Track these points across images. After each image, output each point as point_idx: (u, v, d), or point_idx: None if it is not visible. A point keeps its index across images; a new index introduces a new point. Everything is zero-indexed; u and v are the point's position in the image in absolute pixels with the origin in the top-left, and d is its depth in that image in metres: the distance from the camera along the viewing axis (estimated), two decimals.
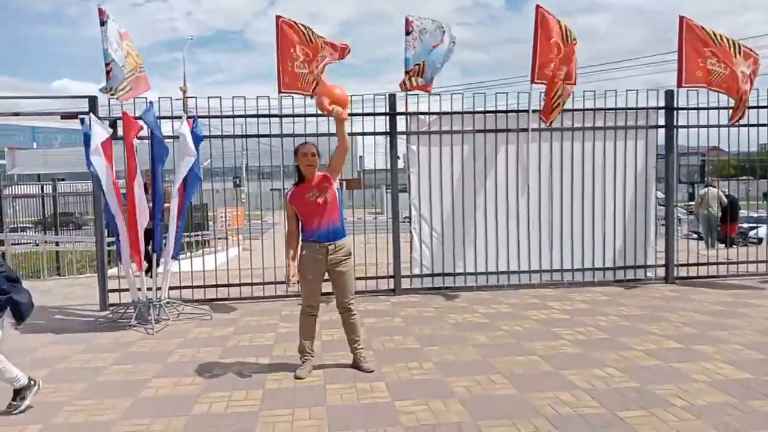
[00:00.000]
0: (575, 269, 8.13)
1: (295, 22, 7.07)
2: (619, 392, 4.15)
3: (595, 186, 8.09)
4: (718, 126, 8.29)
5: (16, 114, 7.98)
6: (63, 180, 19.56)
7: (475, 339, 5.61)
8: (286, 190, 4.75)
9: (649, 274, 8.29)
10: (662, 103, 8.17)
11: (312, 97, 7.09)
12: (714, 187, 13.16)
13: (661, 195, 8.62)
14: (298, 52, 7.06)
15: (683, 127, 8.30)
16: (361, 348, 4.85)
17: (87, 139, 6.33)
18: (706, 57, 7.65)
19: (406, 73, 7.30)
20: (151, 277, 6.86)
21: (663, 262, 8.30)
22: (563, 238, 8.07)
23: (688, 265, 8.57)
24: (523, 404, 3.99)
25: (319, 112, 7.43)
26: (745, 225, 15.68)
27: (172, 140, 6.94)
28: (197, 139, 6.74)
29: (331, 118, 7.69)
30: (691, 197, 14.72)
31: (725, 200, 12.87)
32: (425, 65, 7.29)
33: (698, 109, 8.20)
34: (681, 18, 7.75)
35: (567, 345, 5.34)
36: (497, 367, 4.74)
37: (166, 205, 6.74)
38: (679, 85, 7.86)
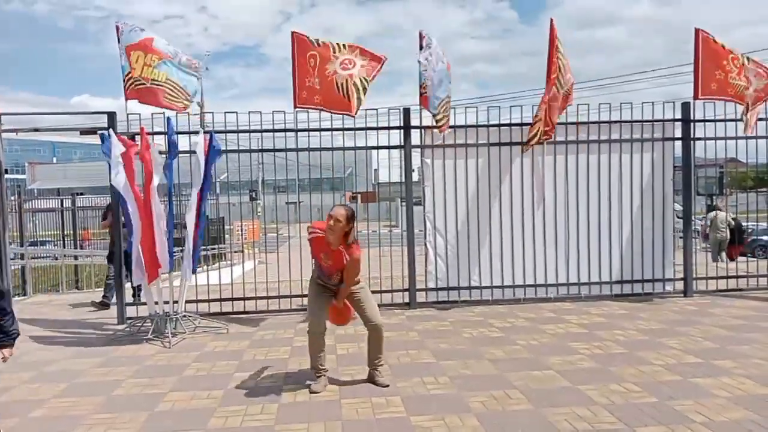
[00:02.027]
0: (592, 283, 8.06)
1: (306, 35, 7.10)
2: (638, 408, 4.09)
3: (612, 199, 8.03)
4: (736, 138, 8.22)
5: (37, 130, 8.12)
6: (82, 194, 19.75)
7: (491, 353, 5.57)
8: (310, 230, 4.70)
9: (667, 288, 8.19)
10: (679, 115, 8.12)
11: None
12: (721, 210, 13.27)
13: (678, 207, 8.54)
14: (310, 64, 7.06)
15: (700, 139, 8.23)
16: (381, 365, 4.84)
17: (108, 155, 6.43)
18: (727, 71, 7.64)
19: (421, 94, 7.32)
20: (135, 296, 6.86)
21: (681, 275, 8.21)
22: (580, 251, 8.01)
23: (707, 278, 8.47)
24: (539, 420, 3.95)
25: (334, 126, 7.56)
26: (765, 237, 15.49)
27: (189, 155, 7.03)
28: (215, 153, 6.80)
29: (345, 131, 7.85)
30: (710, 209, 14.67)
31: (733, 223, 13.04)
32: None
33: (715, 121, 8.14)
34: (697, 30, 7.74)
35: (584, 359, 5.29)
36: (514, 382, 4.71)
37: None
38: (696, 97, 7.84)
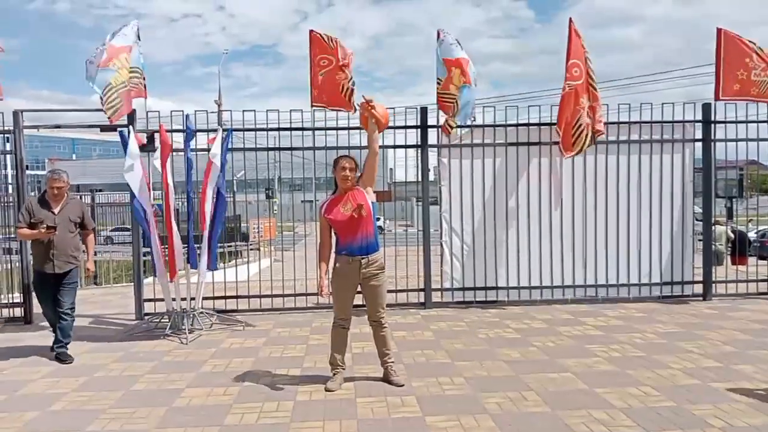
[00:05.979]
0: (610, 285, 7.99)
1: (321, 34, 7.10)
2: (656, 412, 4.05)
3: (630, 200, 7.96)
4: (758, 140, 8.11)
5: (57, 126, 8.20)
6: (101, 191, 19.93)
7: (507, 354, 5.55)
8: (320, 202, 4.76)
9: (686, 291, 8.10)
10: (699, 116, 8.02)
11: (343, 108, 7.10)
12: (720, 224, 13.16)
13: (698, 210, 8.44)
14: (322, 64, 7.06)
15: (721, 140, 8.13)
16: (392, 361, 4.83)
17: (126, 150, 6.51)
18: (750, 68, 7.52)
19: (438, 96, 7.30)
20: None
21: (701, 278, 8.11)
22: (597, 252, 7.95)
23: (726, 281, 8.37)
24: (556, 422, 3.93)
25: (352, 125, 7.55)
26: None
27: (206, 152, 7.07)
28: (224, 152, 6.86)
29: (362, 130, 7.84)
30: (730, 212, 14.48)
31: (732, 236, 12.95)
32: (458, 105, 7.13)
33: (736, 122, 8.03)
34: (719, 30, 7.63)
35: (601, 362, 5.25)
36: (530, 384, 4.68)
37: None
38: (717, 98, 7.74)
